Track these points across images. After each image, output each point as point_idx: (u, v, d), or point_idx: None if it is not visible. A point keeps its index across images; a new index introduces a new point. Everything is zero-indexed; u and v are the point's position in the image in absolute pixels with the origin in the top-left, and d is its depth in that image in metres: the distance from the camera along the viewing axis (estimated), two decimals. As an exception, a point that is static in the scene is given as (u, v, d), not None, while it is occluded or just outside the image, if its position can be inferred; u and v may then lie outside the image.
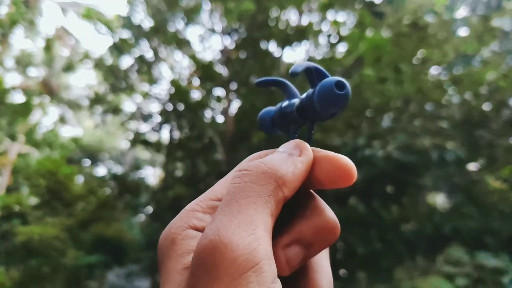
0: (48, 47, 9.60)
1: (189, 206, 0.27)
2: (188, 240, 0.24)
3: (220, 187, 0.27)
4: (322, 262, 0.26)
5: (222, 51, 6.42)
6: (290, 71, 0.27)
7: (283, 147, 0.27)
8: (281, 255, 0.24)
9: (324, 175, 0.25)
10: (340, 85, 0.25)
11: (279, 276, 0.23)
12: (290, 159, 0.25)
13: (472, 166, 5.10)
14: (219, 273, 0.20)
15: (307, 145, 0.27)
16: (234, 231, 0.21)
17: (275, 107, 0.33)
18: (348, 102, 0.25)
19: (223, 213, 0.22)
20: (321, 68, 0.27)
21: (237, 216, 0.22)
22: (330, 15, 5.80)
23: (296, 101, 0.30)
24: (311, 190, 0.27)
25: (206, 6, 6.40)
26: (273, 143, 5.00)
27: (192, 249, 0.23)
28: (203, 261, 0.21)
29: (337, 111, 0.26)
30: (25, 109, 8.22)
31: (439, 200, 6.33)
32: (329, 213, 0.25)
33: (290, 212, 0.26)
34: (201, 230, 0.25)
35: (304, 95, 0.28)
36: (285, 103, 0.31)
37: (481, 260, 3.64)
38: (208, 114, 6.68)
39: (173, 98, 6.30)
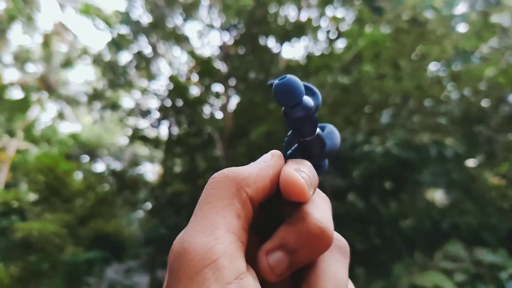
0: (46, 43, 9.58)
1: None
2: None
3: None
4: (329, 268, 0.25)
5: (220, 47, 6.40)
6: (269, 83, 0.30)
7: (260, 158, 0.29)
8: (264, 260, 0.24)
9: (280, 187, 0.26)
10: (282, 78, 0.27)
11: (279, 282, 0.25)
12: (256, 164, 0.27)
13: (471, 162, 5.10)
14: (180, 275, 0.21)
15: (279, 153, 0.29)
16: (194, 236, 0.23)
17: None
18: (295, 92, 0.27)
19: (190, 223, 0.24)
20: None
21: (199, 222, 0.23)
22: (329, 10, 5.79)
23: None
24: None
25: (205, 2, 6.38)
26: (273, 140, 5.00)
27: None
28: (170, 268, 0.23)
29: (290, 105, 0.27)
30: (23, 105, 8.22)
31: (438, 196, 6.34)
32: (315, 219, 0.25)
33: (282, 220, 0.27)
34: None
35: None
36: None
37: (479, 256, 3.65)
38: (207, 110, 6.67)
39: (171, 94, 6.29)
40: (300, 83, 0.27)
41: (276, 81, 0.27)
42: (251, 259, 0.25)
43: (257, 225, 0.28)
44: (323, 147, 0.30)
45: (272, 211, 0.28)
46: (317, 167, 0.31)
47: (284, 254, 0.24)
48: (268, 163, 0.27)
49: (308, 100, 0.28)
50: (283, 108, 0.28)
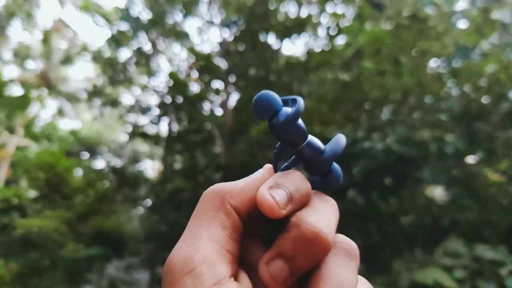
0: (46, 40, 9.56)
1: None
2: None
3: None
4: (330, 271, 0.25)
5: (220, 44, 6.39)
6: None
7: None
8: (264, 270, 0.25)
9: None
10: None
11: None
12: (246, 178, 0.29)
13: (471, 159, 5.10)
14: (165, 284, 0.23)
15: (270, 166, 0.30)
16: (178, 248, 0.25)
17: None
18: (267, 105, 0.28)
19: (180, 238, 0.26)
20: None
21: (185, 235, 0.25)
22: (329, 7, 5.78)
23: None
24: None
25: (205, -2, 6.37)
26: (273, 137, 4.99)
27: None
28: (162, 280, 0.24)
29: (265, 118, 0.28)
30: (23, 102, 8.20)
31: (438, 192, 6.33)
32: (308, 224, 0.25)
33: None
34: None
35: None
36: None
37: (479, 252, 3.66)
38: (206, 106, 6.67)
39: (171, 91, 6.29)
40: (275, 95, 0.28)
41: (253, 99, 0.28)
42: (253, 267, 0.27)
43: (265, 236, 0.29)
44: (319, 154, 0.30)
45: (275, 221, 0.28)
46: (325, 175, 0.31)
47: (283, 262, 0.25)
48: (256, 175, 0.29)
49: (286, 109, 0.28)
50: (267, 122, 0.29)
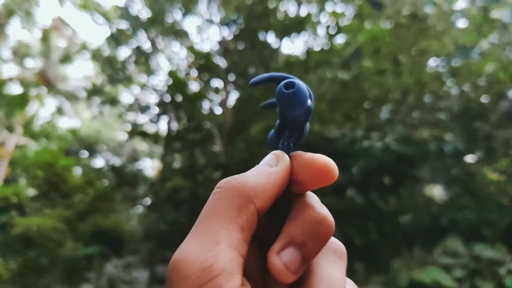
0: (45, 38, 9.55)
1: None
2: None
3: None
4: (322, 271, 0.25)
5: (220, 42, 6.39)
6: (250, 82, 0.29)
7: (263, 160, 0.28)
8: (277, 261, 0.24)
9: (306, 177, 0.26)
10: (288, 85, 0.26)
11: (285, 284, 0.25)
12: (263, 171, 0.26)
13: (470, 158, 5.11)
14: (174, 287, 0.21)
15: (284, 154, 0.28)
16: (192, 250, 0.22)
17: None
18: (304, 99, 0.26)
19: (191, 233, 0.24)
20: (281, 74, 0.28)
21: (200, 235, 0.23)
22: (329, 6, 5.77)
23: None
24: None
25: (204, -3, 6.36)
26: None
27: None
28: (168, 280, 0.22)
29: (300, 113, 0.27)
30: (22, 101, 8.20)
31: (437, 192, 6.34)
32: (315, 207, 0.25)
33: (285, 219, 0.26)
34: None
35: None
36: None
37: (478, 251, 3.66)
38: (206, 105, 6.66)
39: (171, 89, 6.28)
40: (306, 88, 0.26)
41: (283, 89, 0.26)
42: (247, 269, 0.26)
43: (259, 233, 0.28)
44: (303, 132, 0.30)
45: (268, 216, 0.28)
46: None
47: (295, 249, 0.24)
48: (276, 168, 0.27)
49: (310, 102, 0.27)
50: (278, 108, 0.27)
